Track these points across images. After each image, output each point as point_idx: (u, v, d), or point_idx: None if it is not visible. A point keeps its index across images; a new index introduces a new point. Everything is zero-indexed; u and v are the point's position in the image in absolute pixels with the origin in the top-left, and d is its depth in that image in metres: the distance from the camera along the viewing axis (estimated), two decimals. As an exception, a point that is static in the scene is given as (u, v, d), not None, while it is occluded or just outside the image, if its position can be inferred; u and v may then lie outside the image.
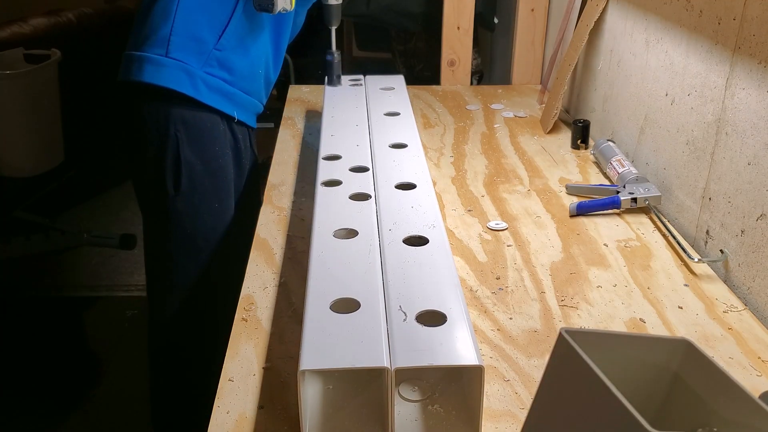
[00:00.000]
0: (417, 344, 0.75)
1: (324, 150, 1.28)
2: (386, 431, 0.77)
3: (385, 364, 0.73)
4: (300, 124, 1.73)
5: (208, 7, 1.36)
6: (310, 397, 0.79)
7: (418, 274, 0.88)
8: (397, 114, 1.47)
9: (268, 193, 1.35)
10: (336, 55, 1.64)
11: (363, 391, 0.83)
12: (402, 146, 1.29)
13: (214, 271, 1.46)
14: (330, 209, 1.06)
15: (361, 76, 1.77)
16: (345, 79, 1.70)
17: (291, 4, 1.39)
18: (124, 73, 1.38)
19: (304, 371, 0.73)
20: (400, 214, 1.04)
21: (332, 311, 0.81)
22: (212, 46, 1.36)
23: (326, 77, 1.66)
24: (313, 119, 1.74)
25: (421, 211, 1.05)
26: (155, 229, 1.47)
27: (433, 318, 0.80)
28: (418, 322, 0.79)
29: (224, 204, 1.46)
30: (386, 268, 0.89)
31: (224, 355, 0.91)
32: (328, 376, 0.82)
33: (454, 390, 0.83)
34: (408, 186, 1.13)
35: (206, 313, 1.49)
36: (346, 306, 0.83)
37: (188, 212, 1.41)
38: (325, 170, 1.20)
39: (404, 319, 0.79)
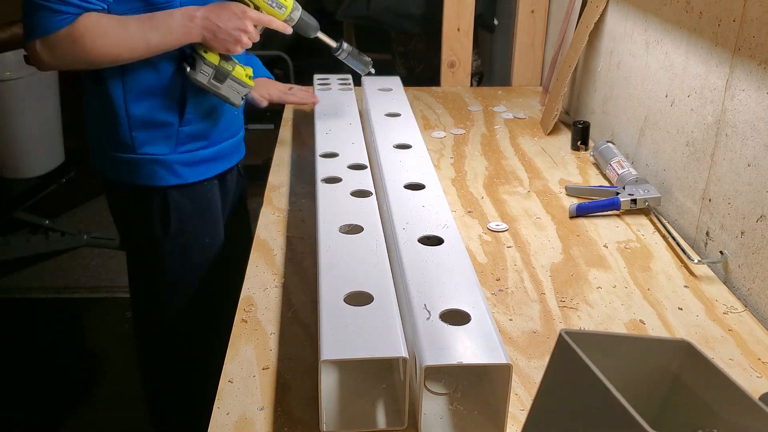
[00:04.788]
0: (443, 342, 0.76)
1: (320, 148, 1.29)
2: (402, 420, 0.79)
3: (403, 353, 0.75)
4: (300, 126, 1.73)
5: (157, 92, 1.26)
6: (327, 388, 0.80)
7: (437, 274, 0.89)
8: (397, 115, 1.47)
9: (268, 195, 1.35)
10: (345, 47, 1.41)
11: (378, 381, 0.85)
12: (406, 147, 1.30)
13: (205, 295, 1.43)
14: (332, 205, 1.07)
15: (349, 76, 1.77)
16: (334, 78, 1.69)
17: (241, 100, 1.29)
18: (99, 165, 1.33)
19: (324, 361, 0.74)
20: (412, 214, 1.05)
21: (347, 304, 0.83)
22: (177, 126, 1.29)
23: (356, 71, 1.47)
24: (312, 121, 1.74)
25: (433, 211, 1.06)
26: (142, 269, 1.42)
27: (456, 317, 0.81)
28: (442, 320, 0.80)
29: (215, 237, 1.42)
30: (404, 267, 0.91)
31: (224, 357, 0.91)
32: (344, 366, 0.83)
33: (475, 390, 0.84)
34: (417, 186, 1.14)
35: (201, 328, 1.47)
36: (358, 299, 0.84)
37: (178, 253, 1.36)
38: (323, 167, 1.21)
39: (428, 318, 0.80)
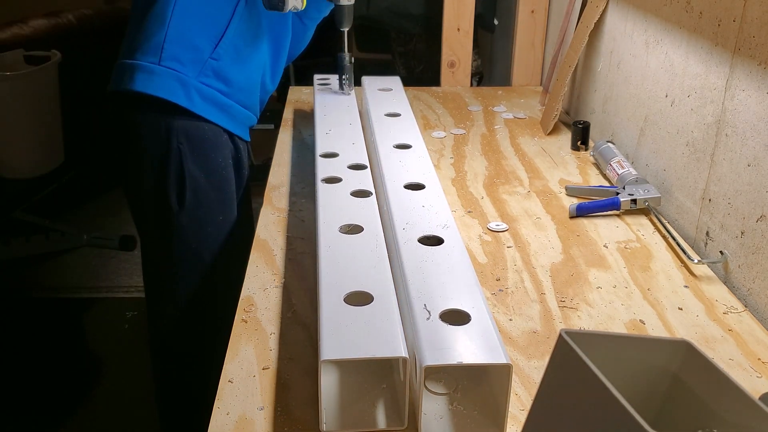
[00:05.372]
0: (443, 343, 0.76)
1: (320, 148, 1.29)
2: (402, 420, 0.79)
3: (403, 353, 0.75)
4: (300, 126, 1.73)
5: (204, 14, 1.32)
6: (327, 388, 0.80)
7: (437, 274, 0.89)
8: (397, 115, 1.47)
9: (268, 195, 1.35)
10: (348, 57, 1.59)
11: (378, 381, 0.85)
12: (406, 147, 1.30)
13: (217, 279, 1.45)
14: (332, 205, 1.07)
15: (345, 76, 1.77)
16: (334, 78, 1.69)
17: (302, 2, 1.34)
18: (116, 82, 1.34)
19: (324, 361, 0.74)
20: (412, 214, 1.05)
21: (346, 304, 0.83)
22: (208, 55, 1.32)
23: (338, 81, 1.63)
24: (312, 120, 1.74)
25: (433, 211, 1.06)
26: (157, 245, 1.43)
27: (456, 317, 0.81)
28: (442, 320, 0.80)
29: (228, 215, 1.43)
30: (404, 267, 0.91)
31: (224, 357, 0.91)
32: (344, 366, 0.83)
33: (475, 389, 0.84)
34: (417, 186, 1.14)
35: (207, 318, 1.49)
36: (358, 299, 0.84)
37: (193, 227, 1.38)
38: (323, 167, 1.21)
39: (428, 318, 0.80)
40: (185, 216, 1.36)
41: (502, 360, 0.74)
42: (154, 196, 1.37)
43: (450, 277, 0.89)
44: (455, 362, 0.73)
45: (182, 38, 1.30)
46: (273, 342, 0.93)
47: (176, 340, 1.50)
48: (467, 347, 0.75)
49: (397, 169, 1.21)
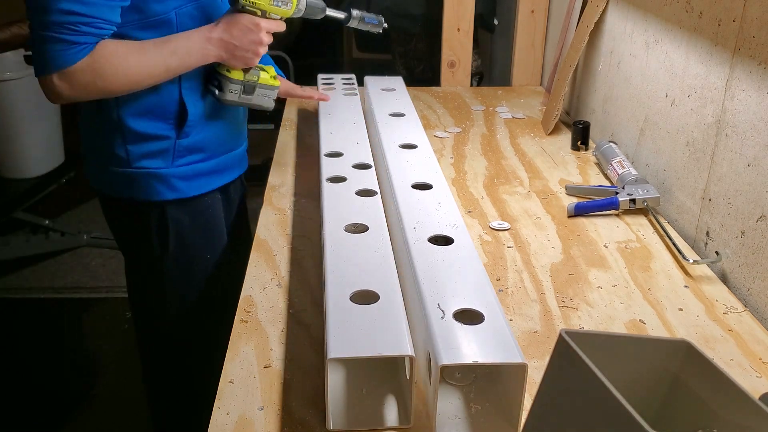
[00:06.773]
0: (458, 342, 0.76)
1: (325, 147, 1.29)
2: (408, 418, 0.79)
3: (410, 351, 0.75)
4: (300, 126, 1.73)
5: (152, 104, 1.21)
6: (333, 386, 0.80)
7: (449, 273, 0.89)
8: (402, 115, 1.47)
9: (268, 194, 1.35)
10: (355, 14, 1.37)
11: (385, 380, 0.85)
12: (412, 147, 1.30)
13: (206, 306, 1.39)
14: (337, 205, 1.08)
15: (353, 76, 1.78)
16: (338, 78, 1.68)
17: (273, 102, 1.29)
18: (94, 179, 1.29)
19: (331, 360, 0.74)
20: (421, 214, 1.05)
21: (352, 302, 0.83)
22: (175, 137, 1.23)
23: (371, 33, 1.42)
24: (313, 120, 1.74)
25: (442, 210, 1.06)
26: (143, 288, 1.38)
27: (469, 316, 0.81)
28: (455, 320, 0.80)
29: (217, 253, 1.37)
30: (415, 267, 0.91)
31: (224, 357, 0.91)
32: (350, 365, 0.84)
33: (489, 388, 0.84)
34: (425, 186, 1.14)
35: (201, 327, 1.45)
36: (364, 298, 0.84)
37: (179, 271, 1.32)
38: (328, 167, 1.21)
39: (442, 317, 0.80)
40: (170, 261, 1.31)
41: (517, 359, 0.74)
42: (137, 243, 1.32)
43: (461, 277, 0.89)
44: (471, 361, 0.73)
45: (142, 137, 1.22)
46: (273, 342, 0.93)
47: (169, 352, 1.48)
48: (482, 346, 0.76)
49: (404, 168, 1.21)
